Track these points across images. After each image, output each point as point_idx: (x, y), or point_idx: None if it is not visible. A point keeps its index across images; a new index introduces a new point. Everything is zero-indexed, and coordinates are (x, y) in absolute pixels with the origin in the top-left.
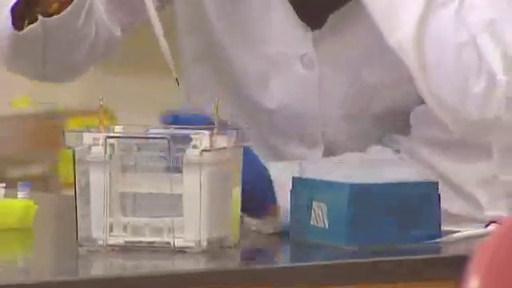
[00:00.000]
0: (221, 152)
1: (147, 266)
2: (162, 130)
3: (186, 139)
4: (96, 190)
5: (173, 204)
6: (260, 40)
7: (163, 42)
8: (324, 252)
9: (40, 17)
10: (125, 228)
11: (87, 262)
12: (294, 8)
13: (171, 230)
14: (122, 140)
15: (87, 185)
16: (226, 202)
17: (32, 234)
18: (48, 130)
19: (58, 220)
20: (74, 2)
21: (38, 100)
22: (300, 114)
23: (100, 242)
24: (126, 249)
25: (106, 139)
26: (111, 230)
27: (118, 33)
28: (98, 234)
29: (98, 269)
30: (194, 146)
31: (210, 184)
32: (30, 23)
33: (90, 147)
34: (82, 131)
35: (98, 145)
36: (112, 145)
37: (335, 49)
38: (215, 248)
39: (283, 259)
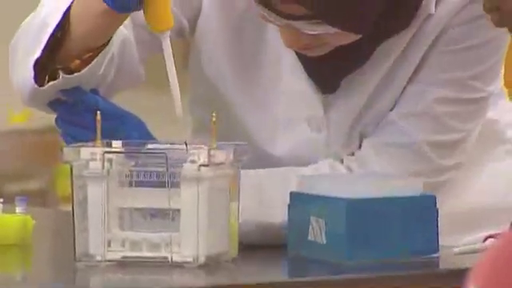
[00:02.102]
0: (219, 167)
1: (145, 281)
2: (160, 145)
3: (184, 154)
4: (94, 205)
5: (171, 219)
6: (270, 102)
7: (177, 92)
8: (322, 267)
9: (61, 74)
10: (122, 243)
11: (85, 277)
12: (307, 72)
13: (169, 244)
14: (119, 155)
15: (85, 200)
16: (223, 216)
17: (30, 249)
18: (46, 146)
19: (55, 235)
20: (94, 61)
21: (35, 115)
22: (307, 163)
23: (98, 258)
24: (124, 264)
25: (103, 154)
26: (109, 245)
27: (143, 77)
28: (95, 249)
29: (95, 284)
30: (192, 161)
31: (207, 199)
32: (51, 73)
33: (87, 162)
34: (80, 146)
35: (95, 160)
36: (110, 160)
37: (345, 111)
38: (213, 263)
39: (281, 274)
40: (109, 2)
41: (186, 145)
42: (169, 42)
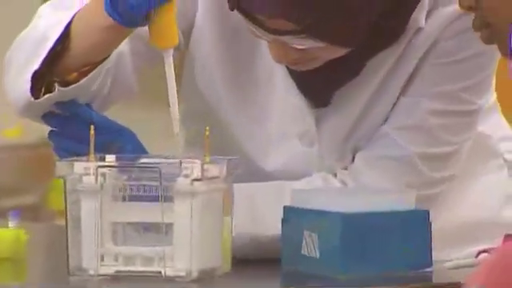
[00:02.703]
0: (212, 181)
1: None
2: (153, 160)
3: (177, 168)
4: (87, 220)
5: (164, 233)
6: (262, 116)
7: (175, 110)
8: (315, 282)
9: (57, 87)
10: (116, 257)
11: None
12: (298, 87)
13: (162, 259)
14: (113, 169)
15: (78, 214)
16: (217, 231)
17: (23, 263)
18: (39, 160)
19: (48, 249)
20: (92, 73)
21: (29, 130)
22: (299, 177)
23: (91, 272)
24: (117, 278)
25: (97, 169)
26: (102, 259)
27: (136, 88)
28: (89, 263)
29: None
30: (185, 175)
31: (201, 213)
32: (48, 85)
33: (81, 176)
34: (73, 161)
35: (89, 174)
36: (103, 174)
37: (337, 125)
38: (206, 277)
39: None
40: (116, 16)
41: (181, 162)
42: (171, 59)
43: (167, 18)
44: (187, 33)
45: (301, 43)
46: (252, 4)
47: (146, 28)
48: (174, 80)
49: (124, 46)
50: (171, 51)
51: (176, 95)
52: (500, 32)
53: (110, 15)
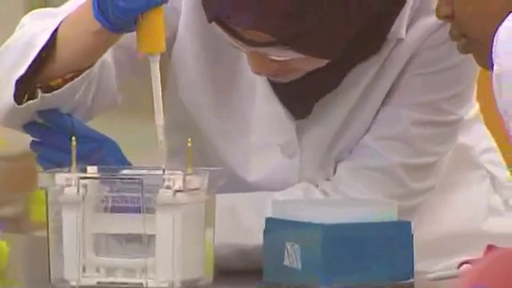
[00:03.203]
0: (194, 192)
1: None
2: (135, 171)
3: (160, 180)
4: (69, 231)
5: (146, 244)
6: (243, 127)
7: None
8: None
9: (40, 93)
10: (98, 269)
11: None
12: (279, 98)
13: (144, 270)
14: (94, 180)
15: (60, 225)
16: (199, 242)
17: (4, 274)
18: (20, 172)
19: (30, 261)
20: (75, 80)
21: (9, 142)
22: (280, 188)
23: (73, 283)
24: None
25: (78, 180)
26: (84, 270)
27: (120, 98)
28: (70, 274)
29: None
30: (167, 187)
31: (183, 224)
32: (31, 92)
33: (62, 188)
34: (55, 172)
35: (70, 185)
36: (85, 185)
37: (318, 136)
38: None
39: None
40: (104, 21)
41: (164, 170)
42: (158, 65)
43: (155, 24)
44: (169, 44)
45: (279, 55)
46: (229, 16)
47: (131, 38)
48: (160, 86)
49: (108, 56)
50: (158, 57)
51: (161, 102)
52: (476, 42)
53: (99, 20)
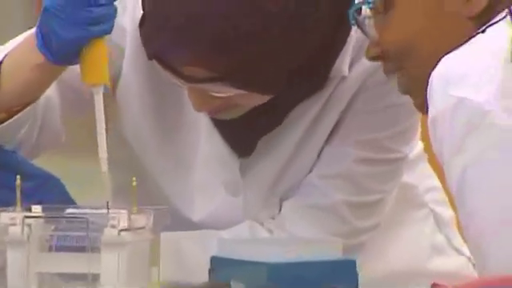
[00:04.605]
0: (139, 231)
1: None
2: (80, 210)
3: (104, 218)
4: (13, 270)
5: (91, 284)
6: (187, 166)
7: (103, 149)
8: None
9: None
10: None
11: None
12: (222, 135)
13: None
14: (39, 219)
15: (4, 265)
16: (144, 281)
17: None
18: None
19: None
20: (20, 114)
21: None
22: (225, 226)
23: None
24: None
25: (23, 219)
26: None
27: (64, 136)
28: None
29: None
30: (112, 226)
31: (127, 264)
32: None
33: (7, 227)
34: None
35: (15, 224)
36: (29, 225)
37: (262, 174)
38: None
39: None
40: (47, 53)
41: (108, 208)
42: (101, 97)
43: (98, 56)
44: (114, 82)
45: (218, 91)
46: (166, 52)
47: (77, 77)
48: (103, 119)
49: (52, 93)
50: (101, 88)
51: (104, 133)
52: (412, 75)
53: (42, 52)
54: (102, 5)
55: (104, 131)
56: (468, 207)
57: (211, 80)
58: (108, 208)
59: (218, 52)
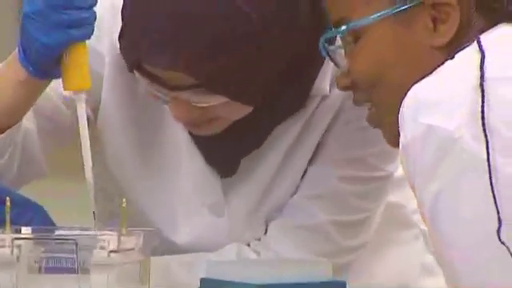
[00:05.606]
0: (128, 253)
1: None
2: (69, 232)
3: (94, 240)
4: None
5: None
6: (170, 188)
7: (88, 158)
8: None
9: None
10: None
11: None
12: (204, 157)
13: None
14: (28, 241)
15: None
16: None
17: None
18: None
19: None
20: (0, 137)
21: None
22: (210, 248)
23: None
24: None
25: (12, 241)
26: None
27: (46, 168)
28: None
29: None
30: (102, 247)
31: (117, 285)
32: None
33: None
34: None
35: (4, 246)
36: (19, 246)
37: (245, 195)
38: None
39: None
40: (27, 65)
41: (94, 216)
42: (84, 105)
43: (79, 61)
44: (95, 110)
45: (200, 100)
46: (146, 56)
47: (55, 108)
48: (86, 127)
49: (29, 125)
50: (83, 96)
51: (88, 142)
52: (381, 107)
53: (23, 65)
54: (81, 8)
55: (87, 140)
56: (440, 233)
57: (194, 86)
58: (94, 216)
59: (201, 57)
